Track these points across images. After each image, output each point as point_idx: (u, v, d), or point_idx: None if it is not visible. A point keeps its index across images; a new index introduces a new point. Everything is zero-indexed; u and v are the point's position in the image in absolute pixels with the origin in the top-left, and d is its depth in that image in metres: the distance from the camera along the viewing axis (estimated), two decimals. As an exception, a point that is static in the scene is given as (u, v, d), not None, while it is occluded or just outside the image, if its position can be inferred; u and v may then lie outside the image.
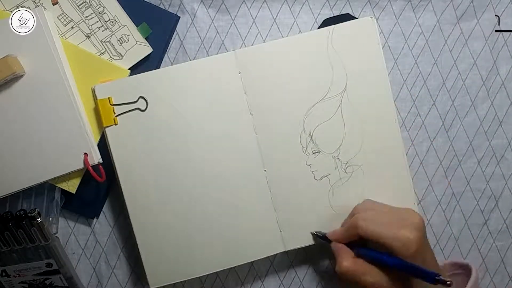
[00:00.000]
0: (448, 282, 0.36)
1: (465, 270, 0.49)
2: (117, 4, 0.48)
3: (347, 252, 0.45)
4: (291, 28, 0.52)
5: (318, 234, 0.48)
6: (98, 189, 0.50)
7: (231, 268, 0.50)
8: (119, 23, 0.48)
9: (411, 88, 0.53)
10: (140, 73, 0.47)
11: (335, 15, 0.52)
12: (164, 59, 0.51)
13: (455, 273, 0.49)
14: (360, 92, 0.48)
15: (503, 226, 0.55)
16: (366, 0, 0.52)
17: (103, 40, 0.48)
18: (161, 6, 0.50)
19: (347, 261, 0.43)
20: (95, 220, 0.52)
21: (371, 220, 0.43)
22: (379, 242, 0.41)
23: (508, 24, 0.54)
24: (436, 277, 0.37)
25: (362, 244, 0.45)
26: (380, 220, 0.43)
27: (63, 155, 0.46)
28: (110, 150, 0.47)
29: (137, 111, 0.47)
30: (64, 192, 0.49)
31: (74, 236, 0.52)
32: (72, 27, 0.48)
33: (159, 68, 0.50)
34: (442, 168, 0.54)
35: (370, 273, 0.42)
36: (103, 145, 0.47)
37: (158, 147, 0.47)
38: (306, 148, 0.48)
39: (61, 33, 0.48)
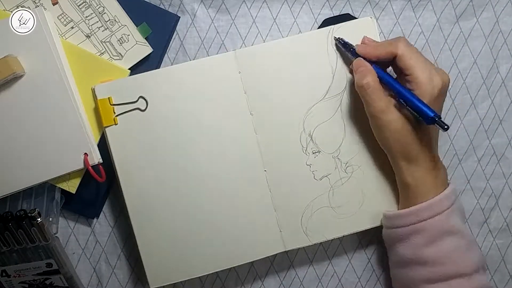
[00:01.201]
0: (445, 127, 0.38)
1: None
2: (117, 4, 0.48)
3: (372, 71, 0.44)
4: (291, 28, 0.52)
5: (341, 41, 0.47)
6: (98, 189, 0.50)
7: (231, 268, 0.50)
8: (119, 23, 0.48)
9: (411, 87, 0.53)
10: (140, 73, 0.47)
11: (335, 15, 0.52)
12: (164, 59, 0.51)
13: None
14: (360, 92, 0.48)
15: (503, 225, 0.55)
16: (366, 0, 0.52)
17: (103, 40, 0.49)
18: (161, 6, 0.50)
19: (372, 77, 0.43)
20: (95, 220, 0.52)
21: (413, 49, 0.44)
22: (409, 70, 0.42)
23: (507, 23, 0.54)
24: (437, 118, 0.38)
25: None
26: (420, 55, 0.44)
27: (63, 155, 0.46)
28: (110, 150, 0.47)
29: (137, 111, 0.47)
30: (64, 192, 0.49)
31: (74, 236, 0.52)
32: (72, 27, 0.48)
33: (159, 68, 0.50)
34: (442, 168, 0.54)
35: (386, 100, 0.43)
36: (103, 145, 0.47)
37: (158, 147, 0.47)
38: (306, 148, 0.48)
39: (61, 33, 0.48)
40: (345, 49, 0.47)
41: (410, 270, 0.46)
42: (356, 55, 0.46)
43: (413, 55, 0.43)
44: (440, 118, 0.39)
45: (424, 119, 0.40)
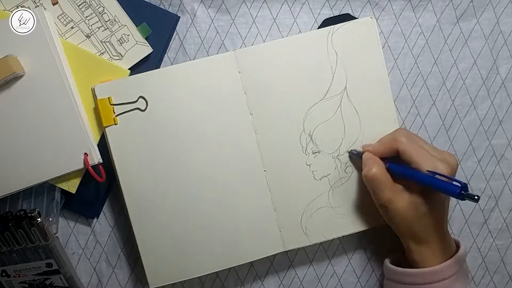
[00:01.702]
0: (475, 197, 0.36)
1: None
2: (117, 4, 0.48)
3: (379, 162, 0.45)
4: (291, 28, 0.52)
5: (353, 151, 0.48)
6: (98, 189, 0.50)
7: (231, 268, 0.50)
8: (119, 23, 0.48)
9: (411, 88, 0.53)
10: (140, 73, 0.47)
11: (335, 15, 0.52)
12: (164, 59, 0.51)
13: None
14: (360, 92, 0.48)
15: (503, 225, 0.55)
16: (366, 0, 0.52)
17: (103, 40, 0.49)
18: (161, 6, 0.50)
19: (377, 168, 0.44)
20: (95, 220, 0.52)
21: (413, 140, 0.44)
22: (414, 163, 0.42)
23: (508, 24, 0.54)
24: (464, 192, 0.37)
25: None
26: (421, 145, 0.44)
27: (63, 155, 0.46)
28: (110, 150, 0.47)
29: (137, 111, 0.47)
30: (64, 192, 0.49)
31: (74, 236, 0.52)
32: (72, 27, 0.48)
33: (159, 68, 0.50)
34: (442, 168, 0.54)
35: (393, 189, 0.43)
36: (103, 145, 0.47)
37: (158, 147, 0.47)
38: (306, 148, 0.48)
39: (61, 33, 0.48)
40: (357, 157, 0.48)
41: None
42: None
43: (414, 148, 0.43)
44: (467, 189, 0.37)
45: (454, 196, 0.38)
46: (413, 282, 0.45)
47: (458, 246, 0.47)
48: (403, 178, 0.44)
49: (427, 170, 0.41)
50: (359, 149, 0.48)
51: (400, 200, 0.43)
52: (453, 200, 0.55)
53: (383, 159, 0.45)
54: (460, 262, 0.45)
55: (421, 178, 0.41)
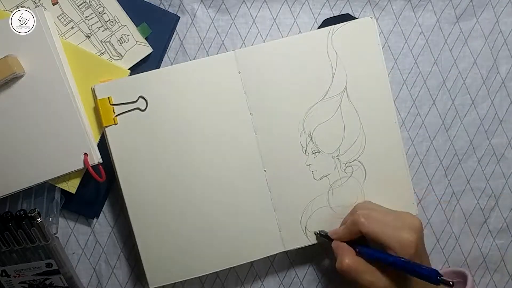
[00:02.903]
0: (450, 283, 0.36)
1: (462, 278, 0.50)
2: (117, 4, 0.48)
3: (348, 250, 0.45)
4: (291, 28, 0.52)
5: (321, 233, 0.48)
6: (98, 189, 0.50)
7: (231, 268, 0.50)
8: (119, 23, 0.48)
9: (411, 88, 0.53)
10: (140, 73, 0.47)
11: (335, 15, 0.52)
12: (164, 59, 0.51)
13: (454, 281, 0.49)
14: (360, 92, 0.48)
15: (503, 225, 0.55)
16: (366, 0, 0.52)
17: (103, 40, 0.49)
18: (161, 6, 0.50)
19: (348, 258, 0.43)
20: (95, 220, 0.52)
21: (372, 218, 0.43)
22: (379, 241, 0.42)
23: (508, 24, 0.54)
24: (439, 277, 0.37)
25: (362, 244, 0.45)
26: (381, 219, 0.43)
27: (63, 155, 0.46)
28: (110, 150, 0.47)
29: (137, 111, 0.47)
30: (64, 192, 0.49)
31: (74, 236, 0.52)
32: (72, 27, 0.48)
33: (159, 68, 0.50)
34: (442, 168, 0.54)
35: (370, 272, 0.43)
36: (103, 145, 0.47)
37: (158, 147, 0.47)
38: (306, 148, 0.48)
39: (61, 33, 0.48)
40: (325, 238, 0.48)
41: None
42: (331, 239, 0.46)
43: (375, 228, 0.42)
44: (441, 276, 0.38)
45: (428, 280, 0.39)
46: None
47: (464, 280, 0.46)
48: (376, 261, 0.43)
49: (398, 257, 0.40)
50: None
51: (381, 280, 0.42)
52: (453, 200, 0.55)
53: (353, 241, 0.45)
54: None
55: (393, 264, 0.41)
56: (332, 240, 0.47)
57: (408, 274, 0.41)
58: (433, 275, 0.38)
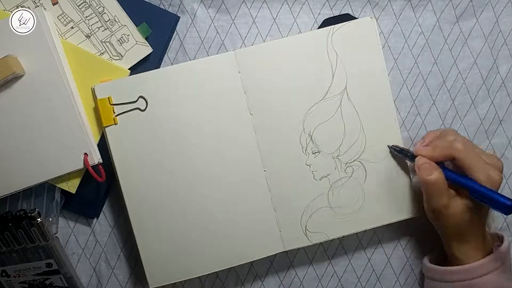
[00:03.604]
0: None
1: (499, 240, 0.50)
2: (117, 4, 0.48)
3: (437, 167, 0.45)
4: (291, 28, 0.52)
5: (396, 148, 0.48)
6: (98, 189, 0.50)
7: (231, 268, 0.50)
8: (119, 23, 0.48)
9: (411, 88, 0.53)
10: (140, 73, 0.47)
11: (335, 15, 0.52)
12: (164, 59, 0.51)
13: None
14: (360, 92, 0.48)
15: (503, 225, 0.55)
16: (366, 0, 0.52)
17: (103, 40, 0.49)
18: (161, 6, 0.50)
19: (438, 173, 0.44)
20: (95, 220, 0.52)
21: (469, 147, 0.45)
22: (469, 170, 0.43)
23: (507, 23, 0.54)
24: None
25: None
26: (476, 151, 0.45)
27: (63, 155, 0.46)
28: (110, 150, 0.47)
29: (136, 110, 0.47)
30: (64, 192, 0.49)
31: (74, 236, 0.52)
32: (72, 27, 0.48)
33: (159, 68, 0.50)
34: (442, 168, 0.54)
35: (448, 194, 0.44)
36: (103, 145, 0.47)
37: (158, 147, 0.47)
38: (306, 148, 0.48)
39: (61, 33, 0.48)
40: (401, 154, 0.48)
41: None
42: (413, 157, 0.46)
43: (471, 157, 0.44)
44: None
45: (501, 210, 0.41)
46: (457, 279, 0.45)
47: (502, 241, 0.47)
48: (458, 185, 0.44)
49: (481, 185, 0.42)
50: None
51: (455, 205, 0.44)
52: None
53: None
54: (503, 256, 0.45)
55: (474, 189, 0.42)
56: (408, 156, 0.47)
57: (484, 201, 0.42)
58: (507, 204, 0.40)
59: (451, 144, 0.45)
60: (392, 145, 0.48)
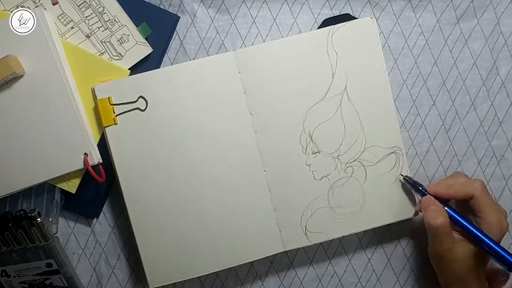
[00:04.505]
0: None
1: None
2: (117, 4, 0.48)
3: (444, 211, 0.45)
4: (291, 28, 0.52)
5: (409, 180, 0.48)
6: (98, 189, 0.50)
7: (231, 268, 0.50)
8: (119, 23, 0.48)
9: (411, 88, 0.53)
10: (140, 73, 0.47)
11: (335, 15, 0.52)
12: (164, 59, 0.51)
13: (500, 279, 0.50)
14: (360, 92, 0.48)
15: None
16: (366, 0, 0.52)
17: (103, 40, 0.49)
18: (161, 6, 0.50)
19: (444, 218, 0.44)
20: (95, 220, 0.52)
21: (485, 189, 0.46)
22: (483, 213, 0.44)
23: (508, 25, 0.54)
24: None
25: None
26: (492, 198, 0.45)
27: (63, 155, 0.46)
28: (110, 150, 0.47)
29: (136, 110, 0.47)
30: (64, 192, 0.49)
31: (74, 236, 0.52)
32: (72, 27, 0.48)
33: (159, 68, 0.50)
34: (442, 168, 0.54)
35: (452, 238, 0.44)
36: (103, 145, 0.47)
37: (158, 147, 0.47)
38: (306, 148, 0.48)
39: (61, 33, 0.48)
40: (413, 188, 0.48)
41: None
42: (425, 193, 0.46)
43: (486, 198, 0.44)
44: None
45: (506, 266, 0.42)
46: None
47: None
48: (461, 228, 0.44)
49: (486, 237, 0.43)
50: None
51: (459, 251, 0.44)
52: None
53: (440, 201, 0.46)
54: None
55: (479, 239, 0.43)
56: (420, 190, 0.47)
57: (490, 252, 0.42)
58: None
59: (472, 183, 0.45)
60: (405, 176, 0.48)
